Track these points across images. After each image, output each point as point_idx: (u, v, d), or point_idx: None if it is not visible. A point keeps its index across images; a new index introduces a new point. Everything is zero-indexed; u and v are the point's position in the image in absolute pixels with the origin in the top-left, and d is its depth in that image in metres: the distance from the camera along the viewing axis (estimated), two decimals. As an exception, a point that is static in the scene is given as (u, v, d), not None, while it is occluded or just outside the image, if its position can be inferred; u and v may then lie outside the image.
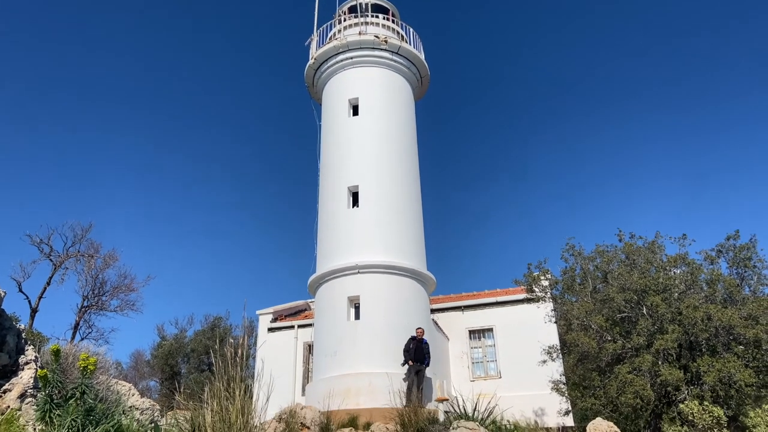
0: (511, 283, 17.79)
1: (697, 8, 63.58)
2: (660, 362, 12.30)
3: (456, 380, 18.14)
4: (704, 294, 13.05)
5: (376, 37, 18.29)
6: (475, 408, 9.73)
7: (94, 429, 3.96)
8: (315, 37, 19.70)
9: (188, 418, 4.59)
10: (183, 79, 69.10)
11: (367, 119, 17.52)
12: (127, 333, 54.11)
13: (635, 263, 14.03)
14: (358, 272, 15.08)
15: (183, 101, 69.21)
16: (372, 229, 15.85)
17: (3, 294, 5.40)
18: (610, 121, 65.21)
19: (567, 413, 15.54)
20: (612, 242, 15.35)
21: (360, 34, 18.49)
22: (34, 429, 4.45)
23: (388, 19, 19.97)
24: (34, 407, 4.55)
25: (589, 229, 62.01)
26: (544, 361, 15.41)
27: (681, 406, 11.33)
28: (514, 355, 18.17)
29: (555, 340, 16.17)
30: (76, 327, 21.42)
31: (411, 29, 20.15)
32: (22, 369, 5.22)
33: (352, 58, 18.29)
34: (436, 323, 18.13)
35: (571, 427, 14.49)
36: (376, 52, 18.33)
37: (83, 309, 21.65)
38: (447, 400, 12.84)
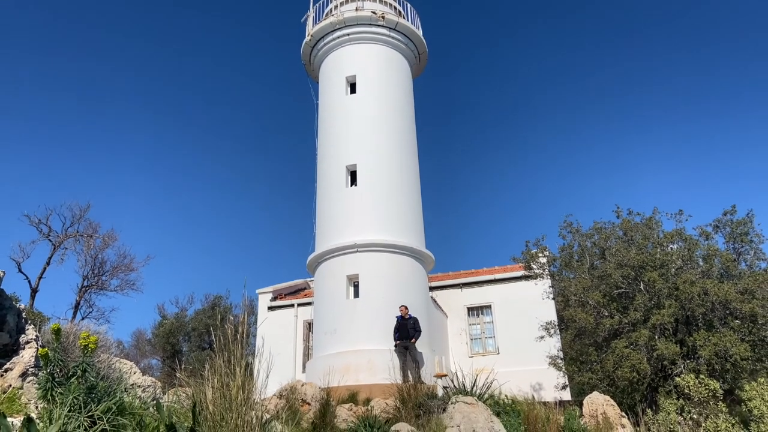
0: (510, 260, 17.93)
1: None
2: (656, 337, 12.43)
3: (455, 356, 18.33)
4: (701, 269, 13.14)
5: (374, 13, 18.06)
6: (474, 383, 9.83)
7: (96, 406, 4.00)
8: (311, 14, 19.45)
9: (190, 395, 4.64)
10: (181, 56, 68.46)
11: (365, 97, 17.38)
12: (128, 312, 54.42)
13: (633, 239, 14.09)
14: (357, 251, 15.12)
15: (181, 80, 68.66)
16: (370, 207, 15.84)
17: (2, 274, 5.41)
18: (608, 97, 64.88)
19: (564, 388, 15.74)
20: (610, 219, 15.41)
21: (357, 10, 18.24)
22: (36, 407, 4.49)
23: (385, -5, 19.69)
24: (36, 386, 4.58)
25: (587, 205, 62.09)
26: (542, 337, 15.57)
27: (677, 379, 11.48)
28: (512, 331, 18.32)
29: (553, 317, 16.31)
30: (76, 306, 21.54)
31: (409, 5, 19.90)
32: (23, 348, 5.26)
33: (348, 34, 18.08)
34: (434, 301, 18.24)
35: (568, 401, 14.67)
36: (374, 29, 18.11)
37: (83, 289, 21.76)
38: (446, 375, 12.98)
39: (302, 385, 10.23)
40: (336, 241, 15.55)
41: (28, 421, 3.23)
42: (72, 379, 4.36)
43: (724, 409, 10.61)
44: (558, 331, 15.65)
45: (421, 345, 14.18)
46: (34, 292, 19.99)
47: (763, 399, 10.34)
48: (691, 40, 62.37)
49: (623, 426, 10.15)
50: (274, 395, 9.94)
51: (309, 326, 19.59)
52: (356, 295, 15.02)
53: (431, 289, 18.16)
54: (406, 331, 13.43)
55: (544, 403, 10.86)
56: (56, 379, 4.33)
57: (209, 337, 30.62)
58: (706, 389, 10.81)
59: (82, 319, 21.72)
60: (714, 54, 60.87)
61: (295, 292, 22.35)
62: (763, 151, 56.33)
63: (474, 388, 9.74)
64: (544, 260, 16.41)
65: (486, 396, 9.64)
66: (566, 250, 15.70)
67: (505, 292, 19.20)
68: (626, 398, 13.26)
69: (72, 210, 21.37)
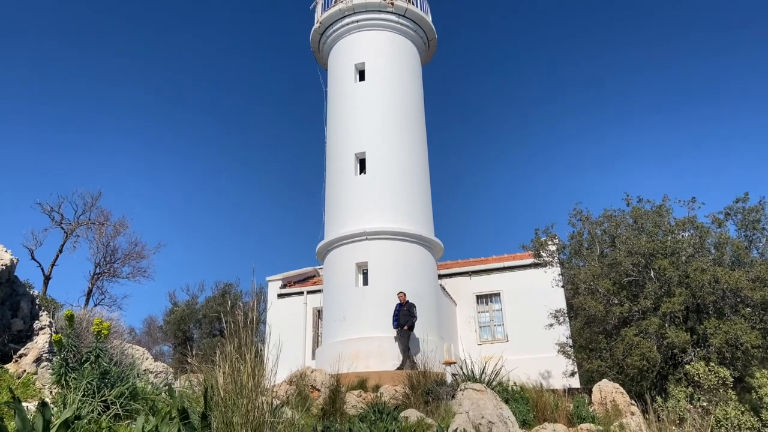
0: (519, 248, 17.89)
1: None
2: (667, 325, 12.39)
3: (464, 344, 18.38)
4: (712, 257, 13.05)
5: (382, -1, 17.93)
6: (483, 370, 9.85)
7: (110, 391, 4.06)
8: (320, 0, 19.36)
9: (201, 381, 4.69)
10: (190, 46, 68.44)
11: (374, 84, 17.31)
12: (140, 299, 54.98)
13: (643, 227, 14.01)
14: (366, 239, 15.15)
15: (191, 69, 68.68)
16: (379, 195, 15.84)
17: (16, 261, 5.47)
18: (620, 82, 64.20)
19: (573, 375, 15.75)
20: (620, 206, 15.31)
21: (365, -4, 18.10)
22: (50, 392, 4.56)
23: (394, -19, 19.52)
24: (50, 371, 4.66)
25: (597, 193, 61.71)
26: (551, 325, 15.57)
27: (687, 367, 11.45)
28: (521, 319, 18.34)
29: (562, 304, 16.29)
30: (89, 293, 21.77)
31: (418, -9, 19.73)
32: (37, 334, 5.33)
33: (357, 21, 17.98)
34: (443, 288, 18.26)
35: (577, 388, 14.70)
36: (383, 15, 17.99)
37: (95, 276, 21.96)
38: (455, 362, 13.02)
39: (312, 372, 10.30)
40: (345, 228, 15.58)
41: (43, 405, 3.28)
42: (85, 365, 4.43)
43: (733, 396, 10.59)
44: (567, 319, 15.64)
45: (430, 332, 14.23)
46: (47, 279, 20.20)
47: (773, 387, 10.30)
48: (705, 24, 61.50)
49: (632, 413, 10.16)
50: (285, 381, 10.02)
51: (318, 313, 19.69)
52: (365, 282, 15.06)
53: (440, 276, 18.18)
54: (404, 316, 13.53)
55: (553, 391, 10.88)
56: (70, 365, 4.40)
57: (219, 323, 30.90)
58: (716, 377, 10.78)
59: (95, 305, 21.94)
60: (728, 39, 60.03)
61: (305, 279, 22.44)
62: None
63: (483, 376, 9.76)
64: (553, 248, 16.36)
65: (495, 383, 9.65)
66: (576, 237, 15.64)
67: (514, 279, 19.20)
68: (635, 386, 13.25)
69: (84, 198, 21.52)
